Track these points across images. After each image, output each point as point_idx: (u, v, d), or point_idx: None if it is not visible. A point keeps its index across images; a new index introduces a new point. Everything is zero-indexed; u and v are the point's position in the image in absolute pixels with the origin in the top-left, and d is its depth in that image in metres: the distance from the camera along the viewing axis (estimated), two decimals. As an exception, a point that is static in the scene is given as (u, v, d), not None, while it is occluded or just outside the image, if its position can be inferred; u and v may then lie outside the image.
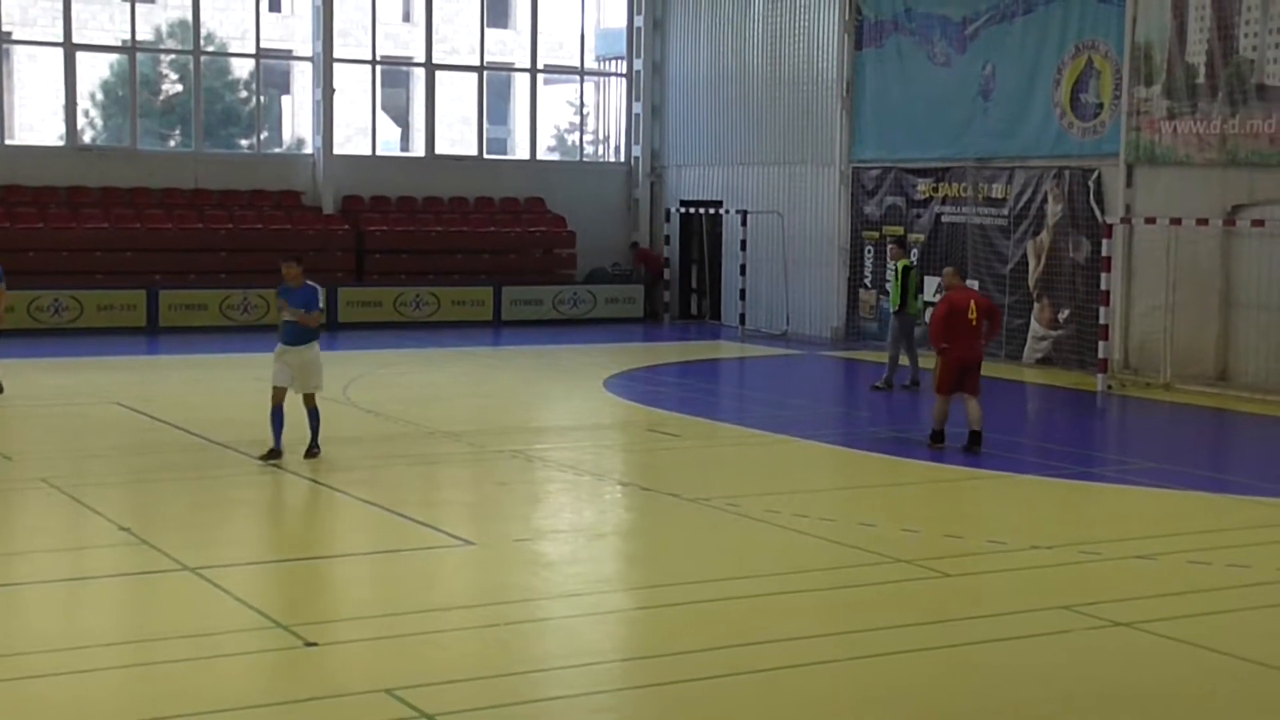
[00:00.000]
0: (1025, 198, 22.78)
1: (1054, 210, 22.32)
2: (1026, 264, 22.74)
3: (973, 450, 14.72)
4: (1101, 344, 20.30)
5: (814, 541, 11.13)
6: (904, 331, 19.74)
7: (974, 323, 14.59)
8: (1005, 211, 23.14)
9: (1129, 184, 21.13)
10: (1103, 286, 20.33)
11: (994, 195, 23.35)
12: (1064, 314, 22.14)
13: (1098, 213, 21.45)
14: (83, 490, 12.39)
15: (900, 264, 19.90)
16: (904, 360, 19.84)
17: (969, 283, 21.02)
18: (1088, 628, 8.85)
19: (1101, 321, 20.33)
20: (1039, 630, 8.78)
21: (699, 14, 30.01)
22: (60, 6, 27.95)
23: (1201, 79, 20.10)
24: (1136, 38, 20.86)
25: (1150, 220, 20.25)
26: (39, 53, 42.52)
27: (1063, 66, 22.22)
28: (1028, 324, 22.71)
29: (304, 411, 13.81)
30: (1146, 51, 20.74)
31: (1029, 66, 22.76)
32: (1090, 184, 21.69)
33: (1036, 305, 22.58)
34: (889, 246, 21.81)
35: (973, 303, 14.72)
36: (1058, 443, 16.52)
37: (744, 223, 27.92)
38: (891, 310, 19.94)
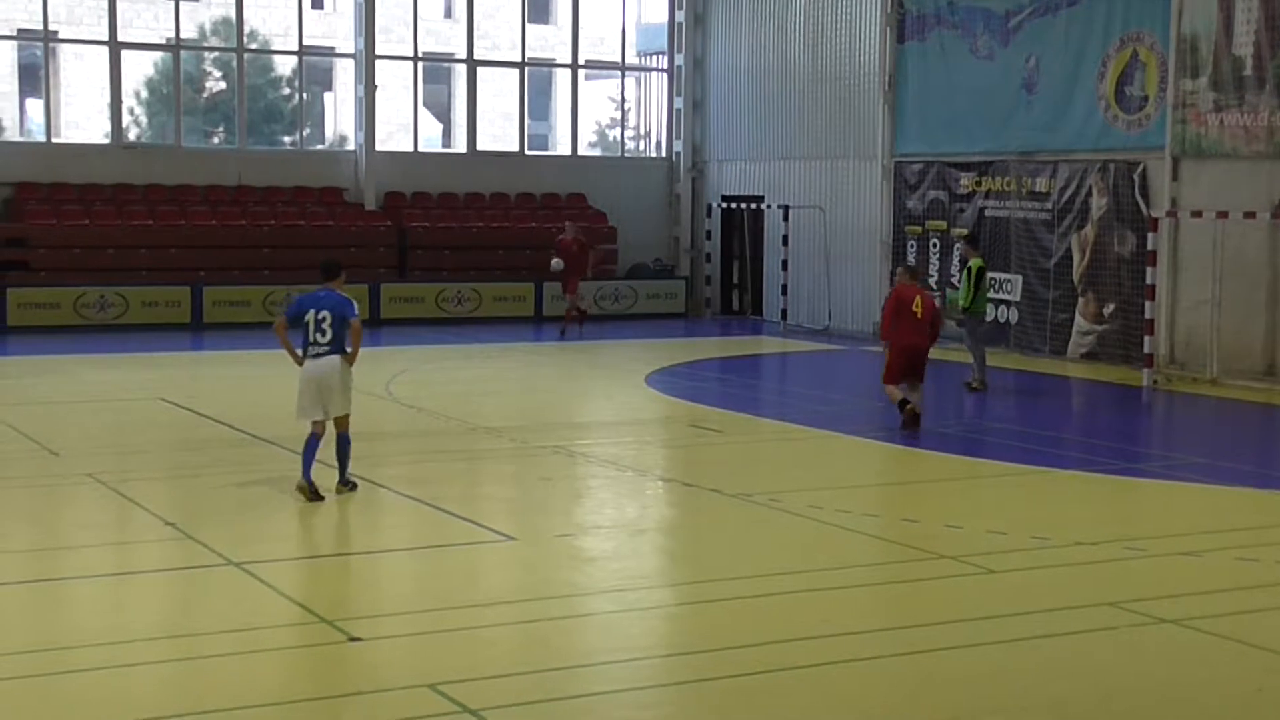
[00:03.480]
0: (1069, 191, 22.61)
1: (1099, 204, 22.14)
2: (1071, 258, 22.57)
3: (912, 429, 15.45)
4: (1147, 339, 20.13)
5: (857, 537, 11.09)
6: (975, 330, 19.52)
7: (919, 315, 15.60)
8: (1049, 205, 22.97)
9: (1175, 177, 20.92)
10: (1148, 281, 20.17)
11: (1038, 189, 23.17)
12: (1109, 308, 21.96)
13: (1143, 206, 21.26)
14: (128, 485, 12.47)
15: (974, 263, 19.60)
16: (966, 358, 19.58)
17: (1016, 275, 20.76)
18: (1133, 624, 8.78)
19: (1147, 316, 20.16)
20: (1084, 627, 8.71)
21: (740, 8, 29.92)
22: (106, 5, 28.15)
23: (1249, 71, 19.88)
24: (1183, 29, 20.65)
25: (1196, 214, 20.06)
26: (85, 51, 42.87)
27: (1107, 59, 22.04)
28: (1072, 319, 22.53)
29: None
30: (1193, 43, 20.54)
31: (1073, 59, 22.58)
32: (1135, 177, 21.50)
33: (1081, 300, 22.40)
34: (960, 245, 21.41)
35: (918, 298, 15.79)
36: (1103, 438, 16.39)
37: (786, 218, 27.84)
38: (963, 309, 19.64)
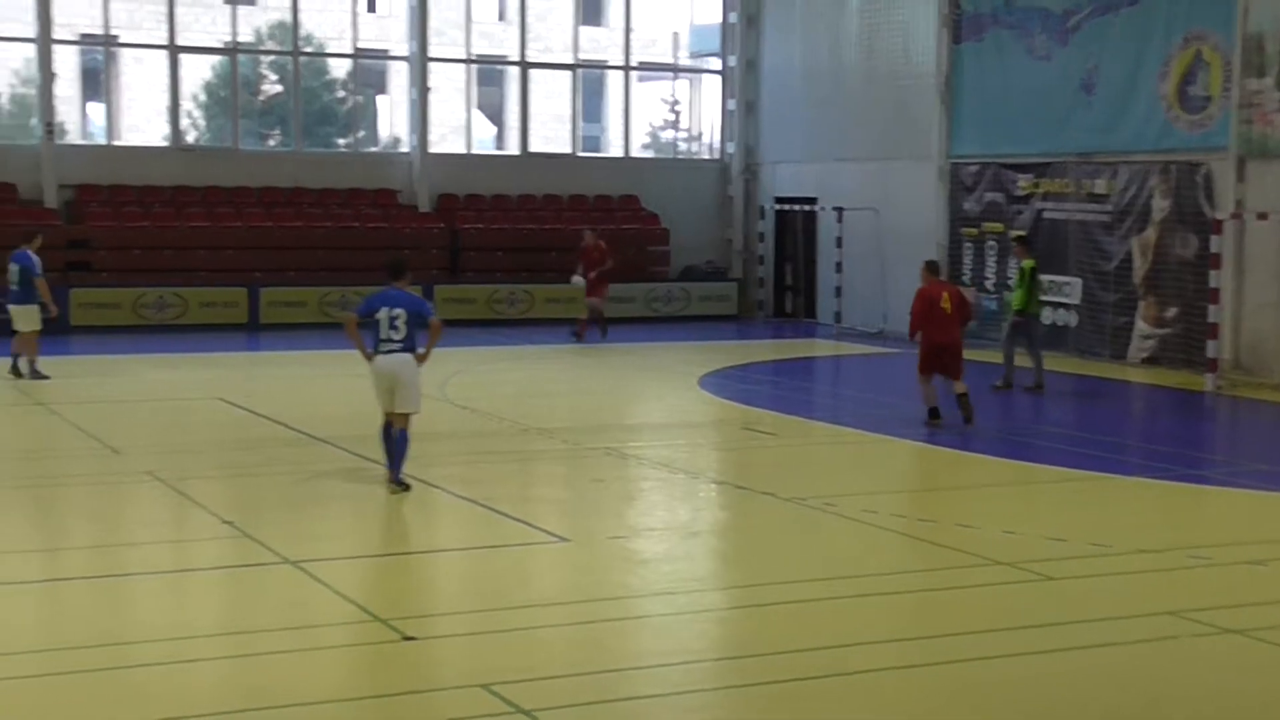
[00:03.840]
0: (1130, 193, 22.35)
1: (1160, 206, 21.87)
2: (1131, 261, 22.32)
3: (966, 415, 15.94)
4: (1210, 343, 19.85)
5: (911, 542, 10.99)
6: (1027, 332, 19.36)
7: (948, 312, 16.15)
8: (1109, 207, 22.72)
9: (1240, 178, 20.62)
10: (1212, 284, 19.88)
11: (1097, 191, 22.93)
12: (1171, 312, 21.69)
13: (1207, 208, 20.98)
14: (187, 484, 12.55)
15: (1026, 264, 19.44)
16: (1026, 362, 19.38)
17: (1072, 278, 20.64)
18: (1195, 634, 8.64)
19: (1210, 320, 19.88)
20: (1144, 636, 8.58)
21: (794, 9, 29.80)
22: (165, 10, 28.41)
23: (1315, 70, 19.61)
24: (1248, 28, 20.37)
25: (1262, 216, 19.77)
26: (145, 55, 43.28)
27: (1170, 59, 21.77)
28: (1133, 323, 22.27)
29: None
30: (1259, 42, 20.25)
31: (1133, 59, 22.33)
32: (1199, 179, 21.23)
33: (1142, 303, 22.14)
34: (1013, 245, 21.20)
35: (945, 294, 16.37)
36: (1164, 444, 16.18)
37: (839, 219, 27.70)
38: (1015, 309, 19.47)
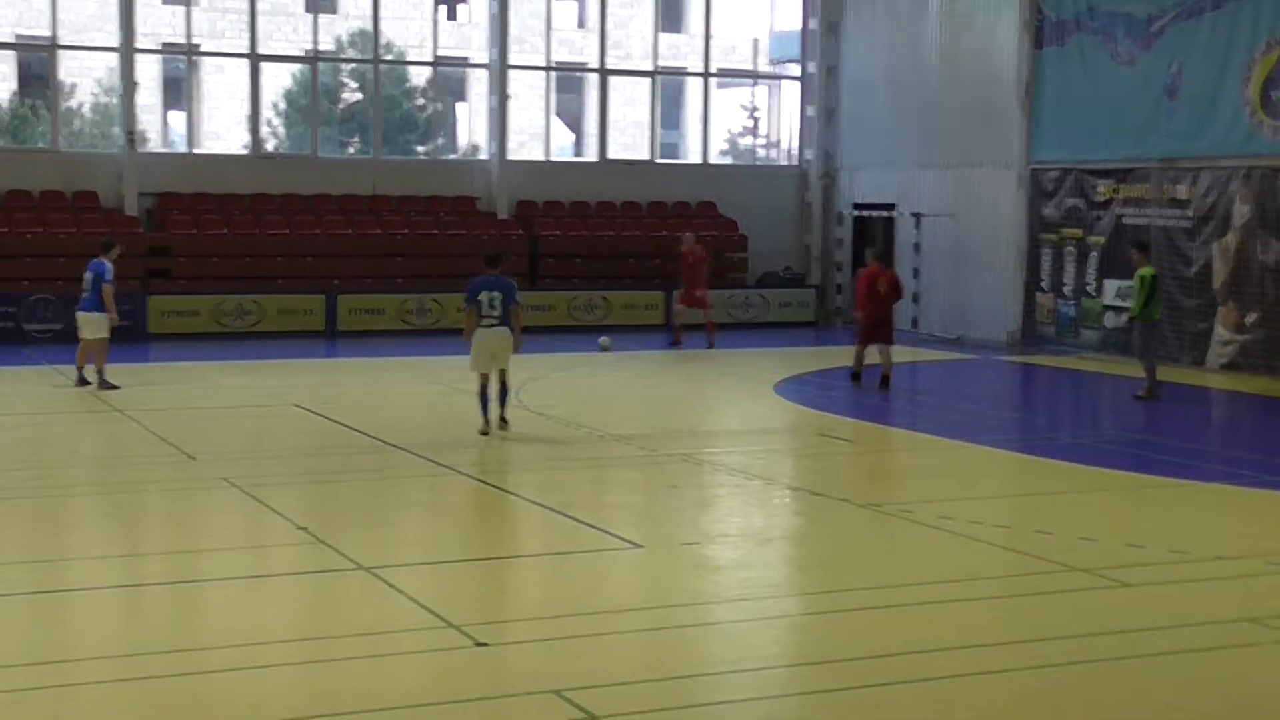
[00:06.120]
0: (1211, 199, 22.06)
1: (1241, 211, 21.57)
2: (1210, 267, 22.02)
3: (883, 390, 19.21)
4: (1291, 349, 19.55)
5: (988, 549, 10.91)
6: (1150, 338, 19.07)
7: (882, 292, 19.42)
8: (1190, 213, 22.44)
9: (1323, 183, 20.30)
10: (1293, 289, 19.59)
11: (1178, 196, 22.65)
12: (1252, 317, 21.38)
13: (1289, 213, 20.66)
14: (263, 490, 12.70)
15: (1146, 271, 19.09)
16: (1137, 371, 19.09)
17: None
18: (1276, 641, 8.52)
19: (1292, 325, 19.58)
20: (1222, 643, 8.48)
21: (874, 16, 29.69)
22: (247, 19, 28.80)
23: (1402, 73, 19.24)
24: (1332, 31, 20.05)
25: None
26: (226, 64, 43.93)
27: (1253, 63, 21.47)
28: (1211, 328, 21.96)
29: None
30: (1342, 45, 19.92)
31: (1218, 64, 22.03)
32: (1281, 183, 20.91)
33: (1222, 309, 21.84)
34: (1132, 252, 20.80)
35: (882, 278, 19.60)
36: (1245, 450, 15.95)
37: (918, 225, 27.54)
38: (1131, 317, 19.16)
